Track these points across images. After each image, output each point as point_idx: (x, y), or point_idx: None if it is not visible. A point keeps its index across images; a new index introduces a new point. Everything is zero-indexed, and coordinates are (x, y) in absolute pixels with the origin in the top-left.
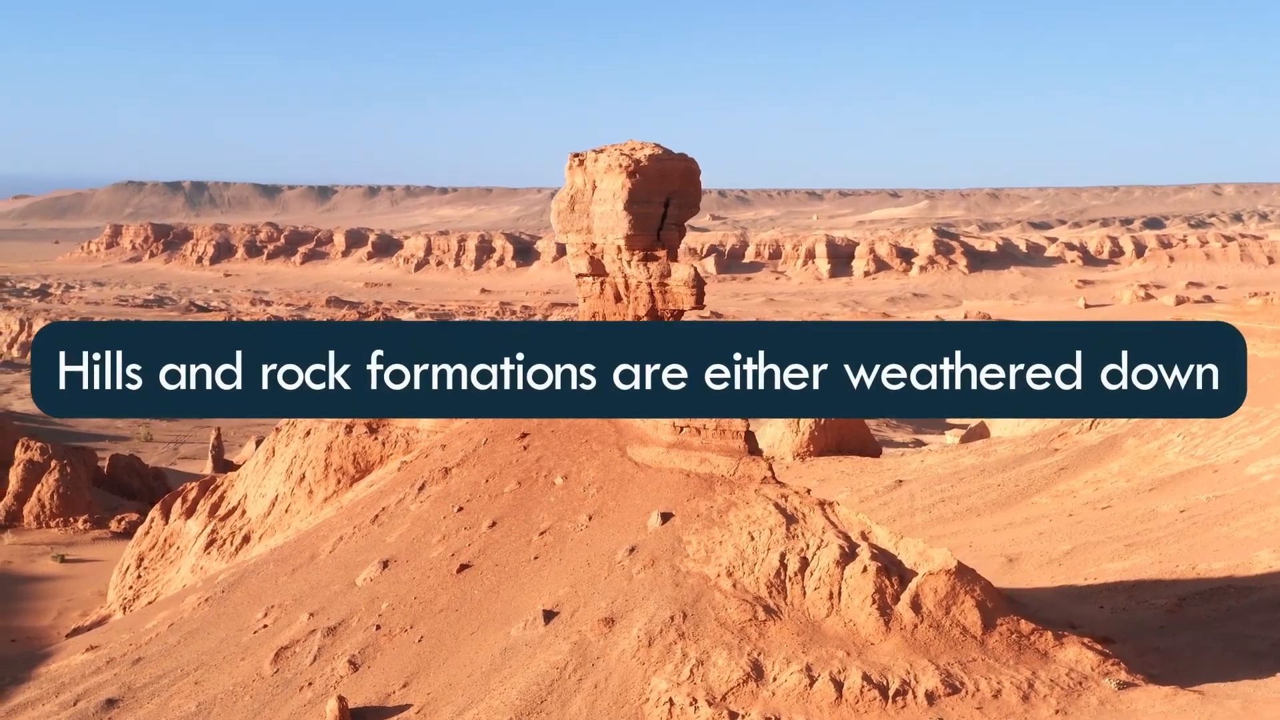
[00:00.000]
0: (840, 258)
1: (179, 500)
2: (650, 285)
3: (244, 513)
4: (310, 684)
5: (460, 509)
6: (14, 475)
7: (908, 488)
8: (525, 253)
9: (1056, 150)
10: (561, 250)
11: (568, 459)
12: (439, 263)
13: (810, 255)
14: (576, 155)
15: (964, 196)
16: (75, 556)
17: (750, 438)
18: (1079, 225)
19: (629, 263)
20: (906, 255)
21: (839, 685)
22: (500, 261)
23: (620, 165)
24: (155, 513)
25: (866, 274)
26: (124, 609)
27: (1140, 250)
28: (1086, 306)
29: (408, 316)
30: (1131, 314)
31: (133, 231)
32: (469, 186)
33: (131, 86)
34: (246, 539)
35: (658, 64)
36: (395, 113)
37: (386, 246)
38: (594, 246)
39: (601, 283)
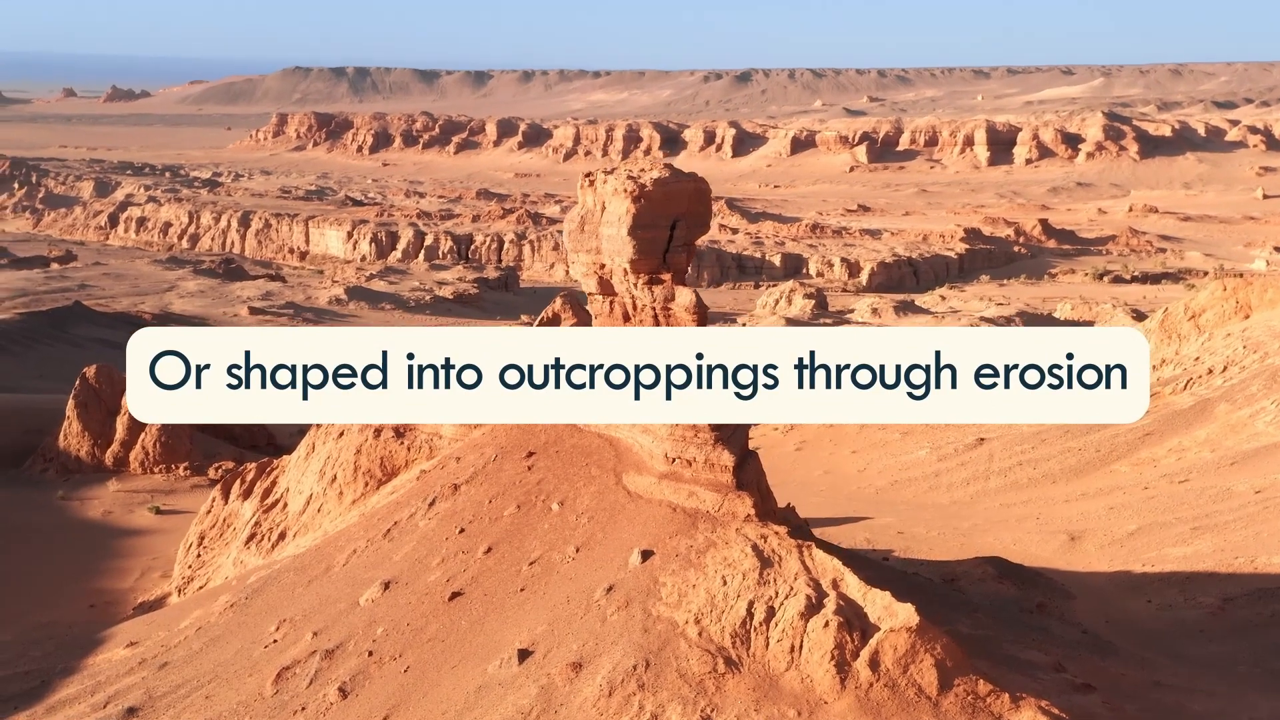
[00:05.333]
0: (1000, 144)
1: (238, 481)
2: (654, 309)
3: (285, 506)
4: (303, 708)
5: (462, 530)
6: (120, 424)
7: (988, 447)
8: (673, 142)
9: (1247, 20)
10: (709, 139)
11: (566, 483)
12: (587, 153)
13: (968, 142)
14: (588, 175)
15: (1143, 73)
16: (171, 507)
17: (739, 471)
18: (1267, 104)
19: (635, 285)
20: (1073, 141)
21: None
22: (647, 151)
23: (625, 189)
24: (216, 493)
25: (1028, 161)
26: (179, 591)
27: None
28: (1265, 197)
29: (552, 210)
30: None
31: (298, 120)
32: (621, 70)
33: None
34: (283, 535)
35: None
36: None
37: (536, 136)
38: (603, 267)
39: (610, 302)
